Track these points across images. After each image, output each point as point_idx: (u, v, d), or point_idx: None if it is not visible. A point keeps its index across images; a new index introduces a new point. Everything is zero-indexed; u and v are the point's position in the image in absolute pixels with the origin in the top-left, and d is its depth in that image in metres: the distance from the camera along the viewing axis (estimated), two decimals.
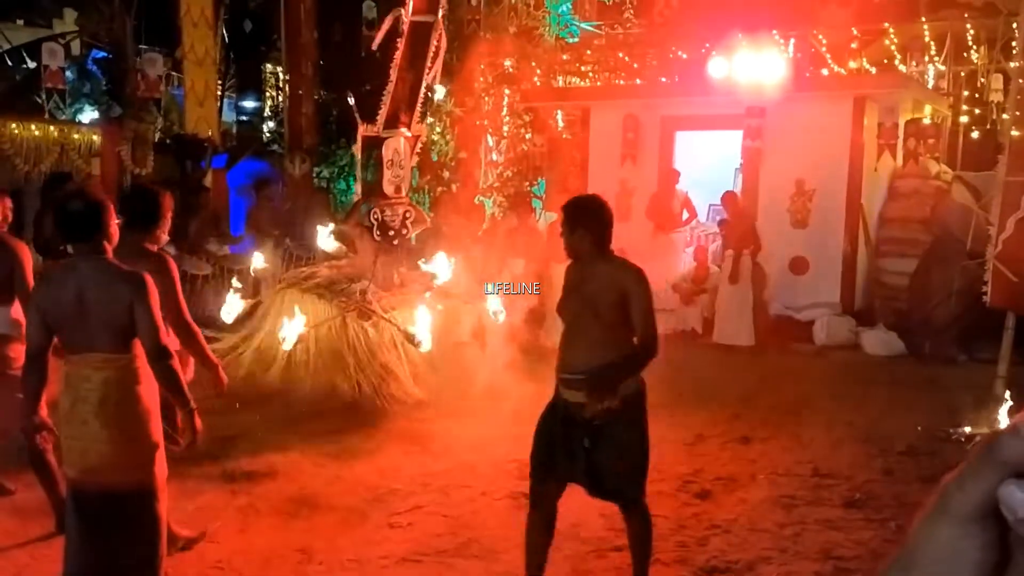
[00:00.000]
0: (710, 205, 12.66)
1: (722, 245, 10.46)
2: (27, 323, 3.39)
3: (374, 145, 6.94)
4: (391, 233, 6.92)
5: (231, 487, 5.10)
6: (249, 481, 5.21)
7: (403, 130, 6.98)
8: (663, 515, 4.75)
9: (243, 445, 5.86)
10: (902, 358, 9.17)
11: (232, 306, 6.14)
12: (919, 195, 10.54)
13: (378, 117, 6.89)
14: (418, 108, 7.17)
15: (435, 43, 6.95)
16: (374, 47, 7.18)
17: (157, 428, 3.32)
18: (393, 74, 6.83)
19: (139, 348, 3.23)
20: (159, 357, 3.20)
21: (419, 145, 7.39)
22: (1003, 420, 6.28)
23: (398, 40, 6.83)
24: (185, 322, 4.07)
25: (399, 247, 7.09)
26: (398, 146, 6.94)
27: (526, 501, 4.89)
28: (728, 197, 10.07)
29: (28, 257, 4.57)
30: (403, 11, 6.78)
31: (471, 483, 5.22)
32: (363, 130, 6.91)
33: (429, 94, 7.19)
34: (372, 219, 6.86)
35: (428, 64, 6.99)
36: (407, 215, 7.01)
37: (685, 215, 11.02)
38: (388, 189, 6.95)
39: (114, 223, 3.30)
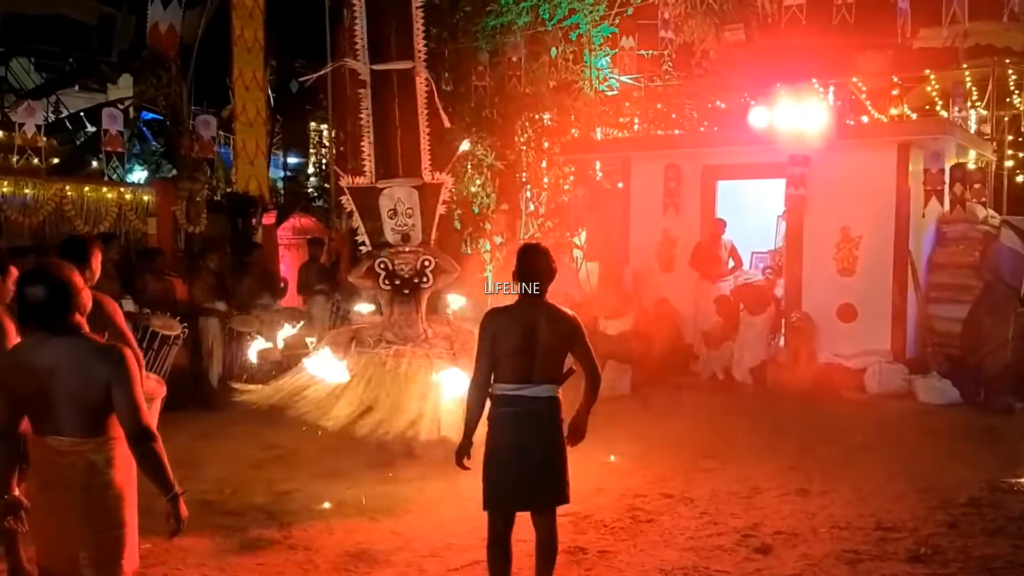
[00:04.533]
0: (753, 253, 12.65)
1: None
2: None
3: (369, 196, 6.82)
4: (399, 283, 6.74)
5: (289, 542, 5.13)
6: (306, 536, 5.24)
7: (407, 180, 6.80)
8: (724, 570, 4.70)
9: (299, 499, 5.92)
10: (957, 406, 9.00)
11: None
12: (968, 240, 10.45)
13: (366, 169, 6.79)
14: (425, 156, 6.92)
15: (422, 90, 6.76)
16: (304, 81, 7.16)
17: (131, 518, 3.08)
18: (365, 123, 6.75)
19: (117, 429, 3.00)
20: (141, 440, 2.95)
21: (445, 194, 7.06)
22: None
23: (360, 91, 6.79)
24: None
25: (414, 298, 6.82)
26: (401, 195, 6.79)
27: (584, 556, 4.91)
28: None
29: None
30: (348, 60, 6.75)
31: (527, 537, 5.17)
32: (346, 182, 6.86)
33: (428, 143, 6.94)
34: (379, 269, 6.74)
35: (421, 111, 6.81)
36: (425, 264, 6.78)
37: (731, 264, 11.02)
38: (393, 238, 6.79)
39: (85, 295, 3.10)
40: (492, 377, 3.94)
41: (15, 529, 3.13)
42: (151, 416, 3.93)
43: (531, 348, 3.87)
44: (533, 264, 3.99)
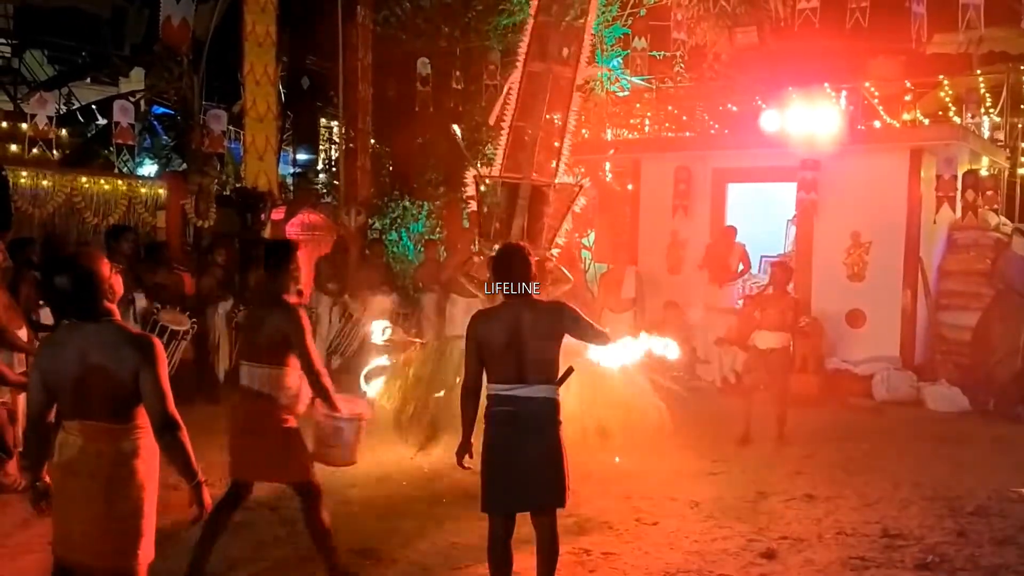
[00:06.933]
0: (762, 257, 12.61)
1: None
2: (29, 385, 3.21)
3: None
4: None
5: (294, 539, 5.12)
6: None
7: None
8: (728, 574, 4.67)
9: None
10: (966, 415, 8.96)
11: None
12: (979, 247, 10.40)
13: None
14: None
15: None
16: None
17: (150, 511, 3.08)
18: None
19: (143, 418, 3.01)
20: (166, 429, 2.96)
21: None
22: None
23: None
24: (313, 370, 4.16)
25: None
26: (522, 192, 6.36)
27: (588, 557, 4.88)
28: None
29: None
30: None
31: (530, 537, 5.16)
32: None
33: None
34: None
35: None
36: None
37: (740, 267, 10.97)
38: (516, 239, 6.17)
39: (115, 281, 3.10)
40: (484, 379, 3.95)
41: (42, 515, 3.14)
42: (355, 439, 4.30)
43: (517, 347, 3.87)
44: (507, 265, 4.00)
